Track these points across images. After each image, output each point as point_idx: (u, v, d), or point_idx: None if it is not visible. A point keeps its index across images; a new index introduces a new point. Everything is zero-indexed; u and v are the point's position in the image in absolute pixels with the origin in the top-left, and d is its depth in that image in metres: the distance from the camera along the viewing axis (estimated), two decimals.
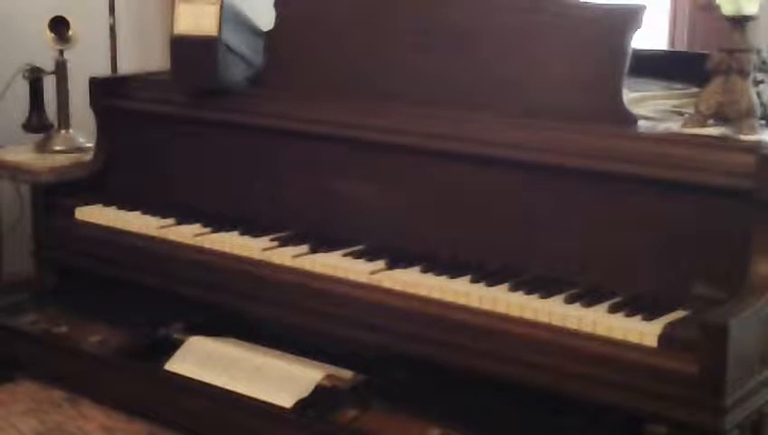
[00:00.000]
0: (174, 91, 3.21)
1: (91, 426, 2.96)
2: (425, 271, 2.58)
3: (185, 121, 3.22)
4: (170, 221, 3.06)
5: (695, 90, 2.86)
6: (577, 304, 2.35)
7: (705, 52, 2.62)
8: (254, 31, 3.15)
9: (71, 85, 3.72)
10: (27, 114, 3.79)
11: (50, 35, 3.67)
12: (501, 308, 2.40)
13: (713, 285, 2.30)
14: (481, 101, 2.71)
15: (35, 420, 3.00)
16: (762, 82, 2.53)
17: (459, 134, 2.65)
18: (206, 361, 2.85)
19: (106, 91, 3.39)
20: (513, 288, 2.45)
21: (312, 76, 3.03)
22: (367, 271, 2.62)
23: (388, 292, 2.56)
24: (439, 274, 2.56)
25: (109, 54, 4.04)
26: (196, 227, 3.00)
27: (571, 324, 2.30)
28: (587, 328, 2.28)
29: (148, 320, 3.10)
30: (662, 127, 2.56)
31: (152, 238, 3.04)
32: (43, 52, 3.71)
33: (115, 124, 3.39)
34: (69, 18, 3.69)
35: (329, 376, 2.70)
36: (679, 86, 3.04)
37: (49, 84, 3.77)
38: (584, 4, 2.65)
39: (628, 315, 2.28)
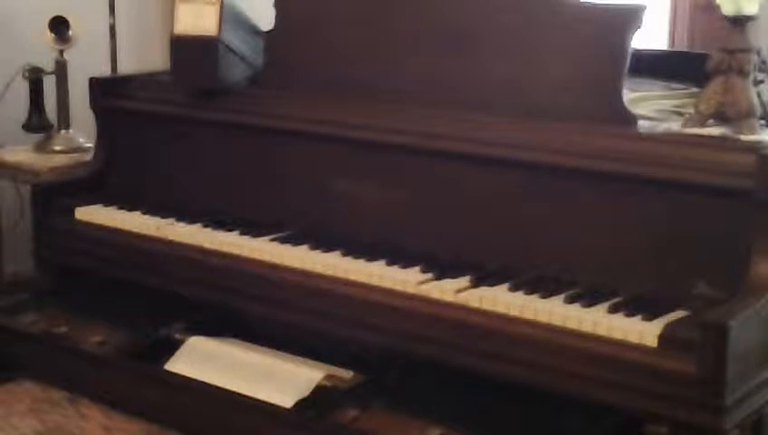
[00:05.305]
0: (174, 91, 3.20)
1: (90, 426, 2.96)
2: (425, 271, 2.58)
3: (185, 121, 3.21)
4: (170, 221, 3.06)
5: (695, 90, 2.86)
6: (577, 304, 2.35)
7: (705, 52, 2.62)
8: (254, 31, 3.15)
9: (71, 85, 3.72)
10: (27, 114, 3.80)
11: (50, 35, 3.68)
12: (501, 308, 2.40)
13: (713, 285, 2.30)
14: (481, 101, 2.71)
15: (35, 420, 3.00)
16: (762, 82, 2.53)
17: (459, 134, 2.65)
18: (206, 361, 2.85)
19: (106, 91, 3.39)
20: (513, 288, 2.45)
21: (312, 76, 3.03)
22: (367, 271, 2.62)
23: (389, 292, 2.56)
24: (439, 274, 2.56)
25: (109, 54, 4.04)
26: (196, 227, 3.00)
27: (571, 324, 2.30)
28: (587, 328, 2.28)
29: (148, 320, 3.10)
30: (662, 127, 2.56)
31: (152, 238, 3.04)
32: (43, 52, 3.71)
33: (115, 124, 3.39)
34: (69, 18, 3.69)
35: (329, 376, 2.70)
36: (679, 86, 3.04)
37: (49, 84, 3.77)
38: (584, 4, 2.65)
39: (628, 315, 2.28)
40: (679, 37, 4.98)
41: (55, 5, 3.75)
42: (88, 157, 3.53)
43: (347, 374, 2.73)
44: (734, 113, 2.46)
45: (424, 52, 2.83)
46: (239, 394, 2.68)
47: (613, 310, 2.31)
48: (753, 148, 2.29)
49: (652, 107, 2.79)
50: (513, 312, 2.38)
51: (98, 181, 3.38)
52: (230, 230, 2.94)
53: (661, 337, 2.19)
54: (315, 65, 3.04)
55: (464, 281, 2.51)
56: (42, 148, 3.73)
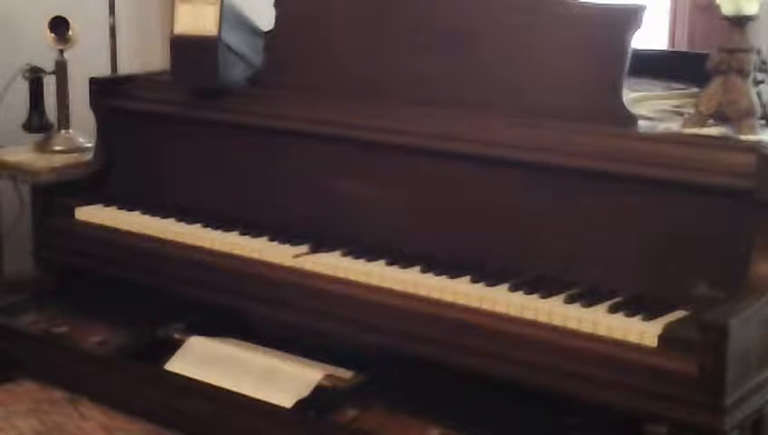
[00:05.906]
0: (174, 91, 3.20)
1: (91, 426, 2.96)
2: (425, 271, 2.58)
3: (185, 121, 3.21)
4: (170, 221, 3.06)
5: (695, 90, 2.86)
6: (577, 304, 2.35)
7: (705, 52, 2.62)
8: (254, 31, 3.15)
9: (71, 85, 3.72)
10: (27, 114, 3.79)
11: (50, 35, 3.67)
12: (501, 308, 2.40)
13: (713, 285, 2.30)
14: (481, 101, 2.71)
15: (35, 420, 3.00)
16: (762, 81, 2.53)
17: (460, 134, 2.65)
18: (206, 361, 2.85)
19: (106, 91, 3.39)
20: (513, 288, 2.45)
21: (311, 76, 3.03)
22: (367, 271, 2.62)
23: (389, 292, 2.56)
24: (439, 274, 2.56)
25: (109, 54, 4.04)
26: (196, 227, 3.00)
27: (571, 324, 2.30)
28: (587, 328, 2.28)
29: (148, 320, 3.10)
30: (662, 127, 2.57)
31: (152, 238, 3.04)
32: (43, 52, 3.71)
33: (115, 124, 3.39)
34: (69, 18, 3.69)
35: (329, 376, 2.70)
36: (679, 86, 3.04)
37: (49, 84, 3.77)
38: (584, 4, 2.65)
39: (628, 315, 2.28)
40: (679, 37, 4.98)
41: (55, 5, 3.74)
42: (88, 157, 3.53)
43: (347, 374, 2.72)
44: (734, 113, 2.46)
45: (424, 52, 2.83)
46: (239, 394, 2.68)
47: (613, 310, 2.31)
48: (753, 148, 2.29)
49: (652, 107, 2.80)
50: (513, 312, 2.38)
51: (98, 181, 3.38)
52: (230, 230, 2.94)
53: (661, 337, 2.19)
54: (315, 65, 3.04)
55: (464, 281, 2.51)
56: (42, 148, 3.73)
